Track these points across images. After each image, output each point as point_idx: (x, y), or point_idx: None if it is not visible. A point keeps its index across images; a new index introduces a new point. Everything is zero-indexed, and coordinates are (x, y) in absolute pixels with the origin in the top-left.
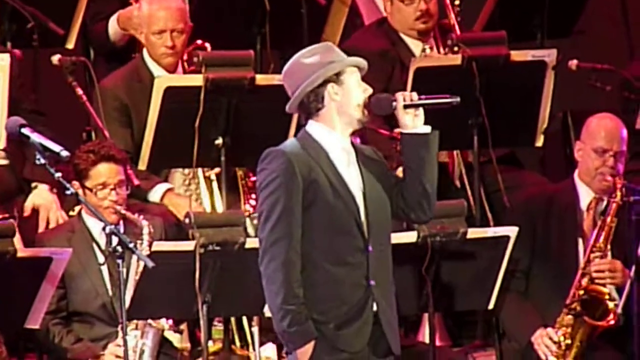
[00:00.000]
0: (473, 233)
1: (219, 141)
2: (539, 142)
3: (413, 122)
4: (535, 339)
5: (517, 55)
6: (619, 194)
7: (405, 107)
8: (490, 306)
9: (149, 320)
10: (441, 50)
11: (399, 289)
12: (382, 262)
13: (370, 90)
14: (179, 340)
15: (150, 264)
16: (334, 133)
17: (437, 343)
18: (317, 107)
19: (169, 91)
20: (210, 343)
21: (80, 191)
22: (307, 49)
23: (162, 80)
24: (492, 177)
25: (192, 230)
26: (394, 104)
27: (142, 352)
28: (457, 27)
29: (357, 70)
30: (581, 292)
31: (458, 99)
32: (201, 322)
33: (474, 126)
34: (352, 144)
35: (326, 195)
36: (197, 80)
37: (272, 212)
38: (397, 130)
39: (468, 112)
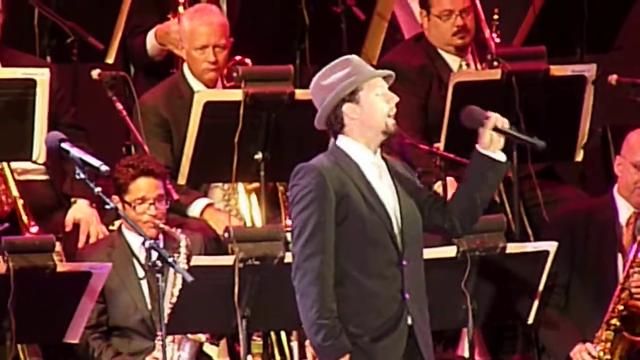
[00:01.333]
0: (512, 248)
1: (259, 156)
2: (579, 157)
3: (493, 145)
4: (574, 355)
5: (556, 70)
6: None
7: (495, 130)
8: (530, 321)
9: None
10: (478, 66)
11: (438, 303)
12: (416, 276)
13: (396, 99)
14: (217, 354)
15: (190, 278)
16: (362, 147)
17: (477, 358)
18: (339, 126)
19: (209, 106)
20: (249, 358)
21: (119, 205)
22: (326, 68)
23: (202, 95)
24: (531, 192)
25: (232, 244)
26: (485, 121)
27: None
28: (492, 42)
29: (378, 81)
30: (620, 307)
31: (544, 144)
32: (240, 336)
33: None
34: (384, 157)
35: (359, 208)
36: (236, 95)
37: (305, 227)
38: (436, 145)
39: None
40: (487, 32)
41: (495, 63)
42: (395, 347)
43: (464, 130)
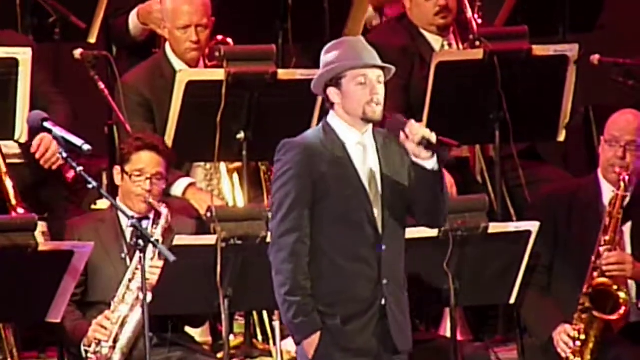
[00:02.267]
0: (494, 228)
1: (241, 135)
2: (561, 137)
3: (418, 153)
4: (556, 335)
5: (539, 50)
6: (622, 185)
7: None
8: (512, 301)
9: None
10: (460, 46)
11: (421, 283)
12: (395, 259)
13: (378, 92)
14: (199, 334)
15: (172, 257)
16: (349, 127)
17: (459, 337)
18: (329, 104)
19: (191, 85)
20: (231, 337)
21: (119, 177)
22: (331, 44)
23: (184, 74)
24: (514, 172)
25: (214, 224)
26: (404, 134)
27: (124, 323)
28: (474, 22)
29: (367, 71)
30: (589, 287)
31: (457, 144)
32: (223, 316)
33: (495, 121)
34: (373, 133)
35: (338, 188)
36: (219, 74)
37: (282, 204)
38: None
39: (489, 106)
40: (469, 12)
41: (478, 43)
42: (365, 329)
43: (446, 110)
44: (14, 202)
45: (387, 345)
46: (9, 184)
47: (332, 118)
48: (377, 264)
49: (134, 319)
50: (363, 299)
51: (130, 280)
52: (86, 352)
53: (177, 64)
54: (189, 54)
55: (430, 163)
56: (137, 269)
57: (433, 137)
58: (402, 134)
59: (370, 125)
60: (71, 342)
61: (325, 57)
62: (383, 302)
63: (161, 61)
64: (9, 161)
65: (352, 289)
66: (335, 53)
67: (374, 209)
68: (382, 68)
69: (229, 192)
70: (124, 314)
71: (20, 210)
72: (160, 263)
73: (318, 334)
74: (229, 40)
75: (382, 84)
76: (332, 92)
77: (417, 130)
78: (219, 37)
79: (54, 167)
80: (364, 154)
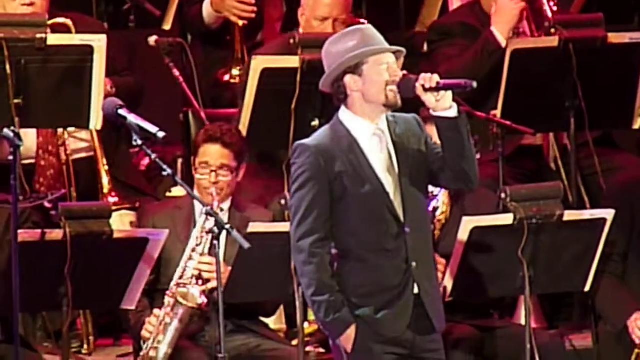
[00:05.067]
0: (569, 215)
1: (315, 123)
2: (637, 125)
3: (437, 105)
4: (631, 323)
5: (614, 38)
6: None
7: (425, 90)
8: (587, 288)
9: (179, 299)
10: (535, 33)
11: (495, 271)
12: (422, 241)
13: (399, 75)
14: (274, 322)
15: (246, 245)
16: (363, 120)
17: (533, 325)
18: (341, 97)
19: (266, 72)
20: (306, 324)
21: (193, 168)
22: (338, 34)
23: (259, 61)
24: (588, 160)
25: (288, 211)
26: (415, 87)
27: (166, 324)
28: (548, 10)
29: (385, 57)
30: None
31: (475, 84)
32: (297, 303)
33: (570, 108)
34: (387, 119)
35: (355, 185)
36: (293, 61)
37: (299, 207)
38: (493, 112)
39: (565, 94)
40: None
41: (553, 30)
42: (400, 317)
43: (521, 97)
44: (106, 190)
45: (423, 328)
46: (103, 172)
47: (344, 113)
48: (404, 249)
49: (175, 320)
50: (394, 287)
51: (180, 277)
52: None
53: None
54: None
55: (452, 111)
56: (185, 265)
57: (435, 78)
58: (418, 86)
59: (384, 114)
60: (133, 335)
61: (335, 47)
62: (416, 290)
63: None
64: (76, 156)
65: (381, 279)
66: (349, 41)
67: (393, 200)
68: (395, 53)
69: None
70: (168, 312)
71: (112, 200)
72: (209, 259)
73: (353, 328)
74: (364, 21)
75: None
76: (350, 80)
77: (429, 76)
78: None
79: None
80: (379, 144)
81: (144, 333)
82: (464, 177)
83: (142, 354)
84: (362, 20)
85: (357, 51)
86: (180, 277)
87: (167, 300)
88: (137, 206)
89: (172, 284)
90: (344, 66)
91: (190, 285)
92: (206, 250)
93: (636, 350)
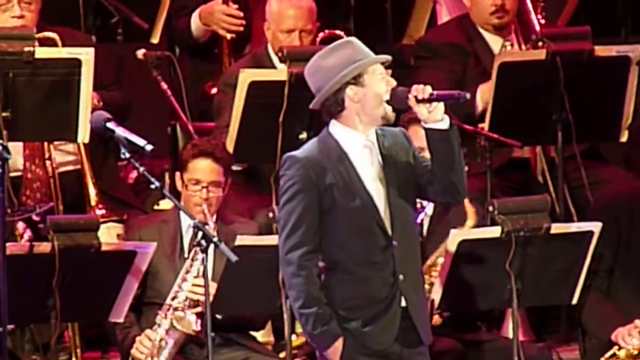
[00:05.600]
0: (557, 228)
1: (303, 136)
2: (624, 138)
3: (429, 116)
4: (615, 337)
5: (601, 51)
6: None
7: (418, 101)
8: (574, 301)
9: (175, 323)
10: (523, 46)
11: (483, 283)
12: (409, 254)
13: (393, 83)
14: (262, 334)
15: (234, 258)
16: (355, 132)
17: (521, 338)
18: (337, 109)
19: (254, 85)
20: (293, 337)
21: (179, 183)
22: (327, 48)
23: (247, 74)
24: (575, 173)
25: (276, 224)
26: (408, 99)
27: (160, 347)
28: (536, 23)
29: (378, 66)
30: None
31: (468, 95)
32: (284, 316)
33: (558, 121)
34: (376, 133)
35: (343, 198)
36: (281, 74)
37: (288, 219)
38: (480, 125)
39: (552, 107)
40: (531, 13)
41: (540, 43)
42: (387, 330)
43: (508, 110)
44: (93, 202)
45: (410, 341)
46: (90, 185)
47: (334, 126)
48: (391, 262)
49: (170, 343)
50: (381, 299)
51: (173, 299)
52: None
53: (279, 64)
54: None
55: (443, 124)
56: (179, 288)
57: (428, 89)
58: (410, 97)
59: (374, 127)
60: (122, 352)
61: (330, 60)
62: (404, 303)
63: (263, 59)
64: (63, 169)
65: (369, 291)
66: (344, 53)
67: (381, 213)
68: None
69: None
70: (162, 335)
71: (100, 212)
72: (202, 281)
73: (341, 340)
74: (340, 32)
75: None
76: (352, 91)
77: (422, 87)
78: (327, 32)
79: None
80: (370, 156)
81: (135, 352)
82: (452, 189)
83: None
84: (337, 32)
85: (357, 62)
86: (173, 299)
87: (161, 320)
88: (125, 219)
89: (166, 302)
90: (347, 77)
91: (187, 310)
92: (200, 272)
93: (615, 348)
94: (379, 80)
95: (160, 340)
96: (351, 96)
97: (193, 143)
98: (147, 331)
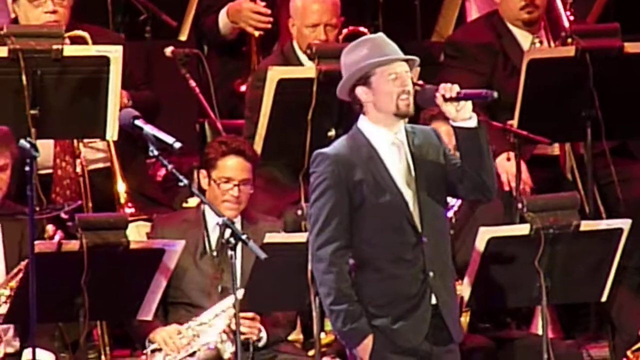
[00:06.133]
0: (586, 225)
1: (332, 133)
2: None
3: (457, 115)
4: None
5: (630, 47)
6: None
7: (445, 100)
8: (603, 299)
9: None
10: (552, 43)
11: (512, 281)
12: (439, 251)
13: (409, 84)
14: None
15: (263, 255)
16: (381, 129)
17: (550, 335)
18: (358, 106)
19: (282, 83)
20: (322, 335)
21: (205, 180)
22: (351, 44)
23: (275, 72)
24: (604, 170)
25: (304, 222)
26: (435, 97)
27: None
28: (565, 20)
29: (395, 65)
30: None
31: (495, 94)
32: (314, 313)
33: (587, 118)
34: (406, 130)
35: (373, 195)
36: (310, 72)
37: (319, 215)
38: (510, 122)
39: (581, 104)
40: (560, 9)
41: (569, 40)
42: (417, 328)
43: (538, 107)
44: (122, 200)
45: (440, 339)
46: (120, 183)
47: (362, 122)
48: (421, 259)
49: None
50: (411, 297)
51: (216, 316)
52: (149, 345)
53: (305, 60)
54: None
55: (471, 122)
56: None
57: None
58: (438, 96)
59: (402, 123)
60: (136, 335)
61: (348, 58)
62: (434, 300)
63: (290, 56)
64: (93, 167)
65: (398, 289)
66: (359, 52)
67: (411, 209)
68: (407, 61)
69: None
70: (197, 346)
71: (129, 210)
72: (250, 314)
73: (370, 338)
74: (364, 29)
75: (410, 77)
76: (361, 91)
77: (450, 86)
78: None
79: None
80: (398, 154)
81: (156, 338)
82: (482, 187)
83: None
84: (361, 29)
85: (363, 63)
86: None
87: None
88: (154, 217)
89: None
90: (352, 78)
91: (227, 341)
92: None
93: None
94: (389, 81)
95: (188, 343)
96: (361, 96)
97: (220, 140)
98: (180, 329)
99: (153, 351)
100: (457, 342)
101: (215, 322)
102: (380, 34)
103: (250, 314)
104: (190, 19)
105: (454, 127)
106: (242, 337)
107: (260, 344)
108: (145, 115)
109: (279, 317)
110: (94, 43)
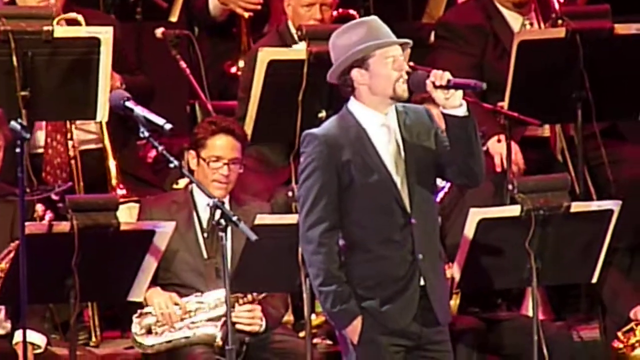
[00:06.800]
0: (576, 207)
1: (322, 114)
2: None
3: (446, 102)
4: (634, 314)
5: (621, 29)
6: None
7: (435, 87)
8: (594, 280)
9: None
10: (542, 24)
11: (502, 262)
12: (428, 233)
13: (405, 68)
14: None
15: (254, 237)
16: (372, 111)
17: (541, 317)
18: (348, 89)
19: (273, 64)
20: (313, 316)
21: (194, 161)
22: (345, 26)
23: (266, 53)
24: (595, 151)
25: (295, 203)
26: (425, 84)
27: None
28: (555, 1)
29: (391, 48)
30: None
31: (484, 86)
32: (304, 295)
33: (577, 100)
34: (397, 110)
35: (362, 176)
36: (300, 53)
37: (308, 196)
38: (500, 104)
39: (571, 85)
40: None
41: (560, 21)
42: (406, 309)
43: (528, 89)
44: (114, 182)
45: (429, 320)
46: (112, 164)
47: (352, 104)
48: (410, 240)
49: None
50: (399, 278)
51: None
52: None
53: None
54: None
55: (461, 110)
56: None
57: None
58: (428, 82)
59: (393, 105)
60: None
61: (341, 40)
62: (422, 282)
63: (285, 36)
64: (84, 147)
65: (387, 270)
66: (354, 35)
67: (400, 190)
68: (401, 44)
69: None
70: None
71: (120, 192)
72: (248, 307)
73: (359, 319)
74: (353, 12)
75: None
76: (357, 73)
77: (441, 73)
78: (340, 10)
79: None
80: (388, 135)
81: (154, 302)
82: (469, 173)
83: (135, 323)
84: (350, 12)
85: (362, 45)
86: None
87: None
88: (142, 200)
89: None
90: (350, 60)
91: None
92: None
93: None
94: (387, 64)
95: (182, 323)
96: (357, 78)
97: (209, 120)
98: (176, 295)
99: (145, 313)
100: (443, 324)
101: (213, 309)
102: (374, 17)
103: (248, 307)
104: (180, 0)
105: (444, 114)
106: (248, 328)
107: (261, 330)
108: (139, 100)
109: (274, 299)
110: (87, 25)
